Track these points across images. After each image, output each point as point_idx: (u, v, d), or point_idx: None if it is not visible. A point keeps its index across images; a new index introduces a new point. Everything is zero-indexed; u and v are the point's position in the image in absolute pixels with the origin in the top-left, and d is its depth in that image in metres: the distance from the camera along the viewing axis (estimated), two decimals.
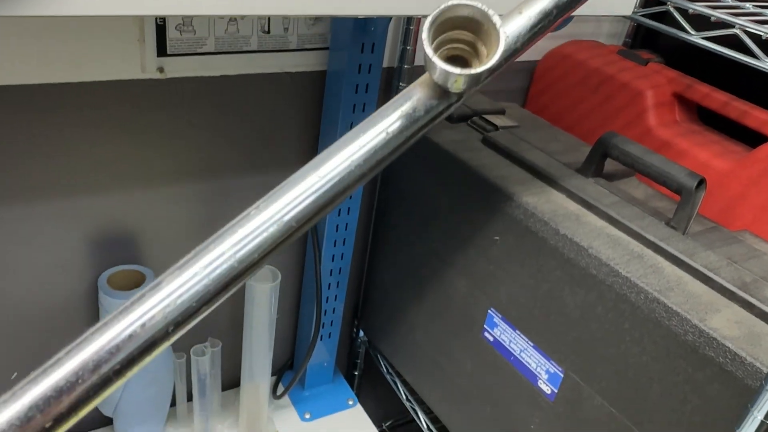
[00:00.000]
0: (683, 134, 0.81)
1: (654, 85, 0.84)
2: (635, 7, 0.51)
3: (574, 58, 0.93)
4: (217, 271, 0.27)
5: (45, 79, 0.67)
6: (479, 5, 0.26)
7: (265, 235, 0.28)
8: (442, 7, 0.26)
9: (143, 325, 0.26)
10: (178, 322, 0.27)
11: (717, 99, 0.79)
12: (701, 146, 0.78)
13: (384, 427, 1.28)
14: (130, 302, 0.27)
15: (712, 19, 0.54)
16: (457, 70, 0.26)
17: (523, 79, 1.02)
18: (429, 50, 0.26)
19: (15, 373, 0.82)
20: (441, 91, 0.28)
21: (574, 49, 0.94)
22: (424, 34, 0.26)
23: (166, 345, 0.27)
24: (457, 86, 0.27)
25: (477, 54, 0.28)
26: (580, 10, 0.50)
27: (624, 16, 0.79)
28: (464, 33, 0.27)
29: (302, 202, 0.29)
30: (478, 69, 0.26)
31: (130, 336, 0.26)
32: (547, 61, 0.97)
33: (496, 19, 0.26)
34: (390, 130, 0.28)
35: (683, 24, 0.55)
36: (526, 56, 1.08)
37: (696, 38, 0.55)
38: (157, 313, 0.26)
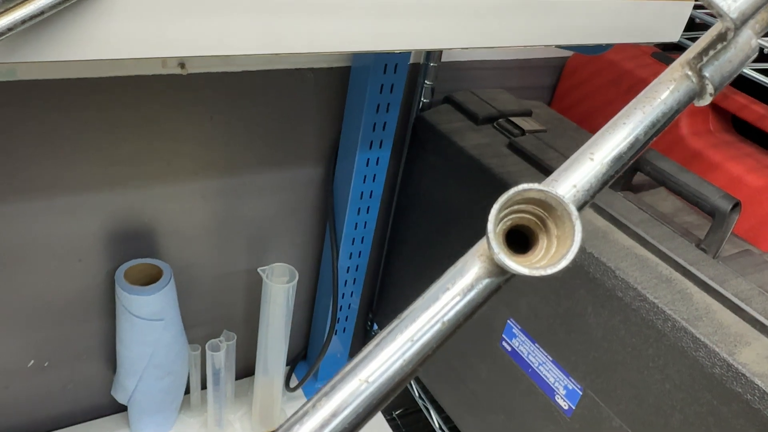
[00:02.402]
0: (716, 145, 0.79)
1: None
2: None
3: (606, 57, 0.90)
4: None
5: (68, 74, 0.65)
6: (552, 191, 0.24)
7: None
8: (511, 192, 0.24)
9: None
10: None
11: (754, 111, 0.76)
12: (734, 159, 0.76)
13: (394, 415, 1.29)
14: None
15: (765, 51, 0.51)
16: (526, 271, 0.24)
17: (551, 75, 0.99)
18: (495, 246, 0.24)
19: (32, 361, 0.83)
20: (500, 270, 0.26)
21: None
22: (490, 225, 0.24)
23: None
24: (521, 275, 0.26)
25: (545, 228, 0.26)
26: (628, 38, 0.48)
27: (668, 52, 0.77)
28: (534, 207, 0.25)
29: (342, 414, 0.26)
30: (550, 269, 0.24)
31: None
32: (577, 58, 0.94)
33: (572, 209, 0.24)
34: (443, 315, 0.27)
35: None
36: (555, 53, 1.05)
37: (745, 68, 0.52)
38: None
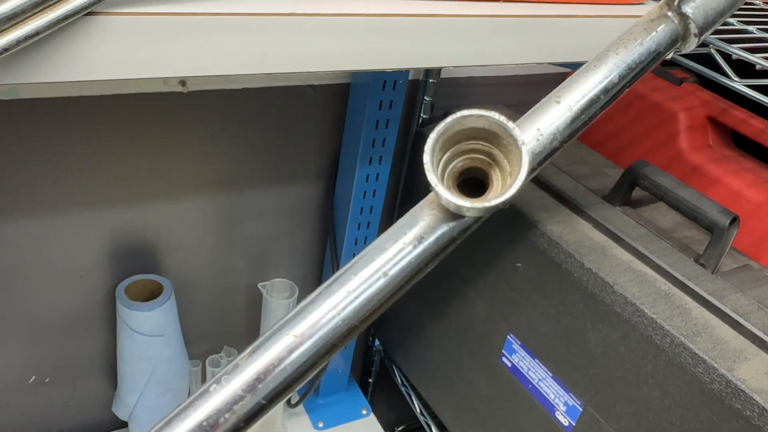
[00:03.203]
0: (716, 160, 0.79)
1: (687, 107, 0.81)
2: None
3: None
4: None
5: (70, 93, 0.66)
6: (495, 116, 0.22)
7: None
8: (449, 120, 0.21)
9: None
10: None
11: (753, 126, 0.76)
12: (734, 174, 0.76)
13: (396, 431, 1.28)
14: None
15: (757, 67, 0.52)
16: (467, 203, 0.21)
17: (550, 90, 0.99)
18: (433, 176, 0.21)
19: (33, 377, 0.83)
20: (453, 215, 0.24)
21: None
22: (427, 156, 0.22)
23: None
24: (471, 215, 0.23)
25: (497, 164, 0.23)
26: None
27: (666, 67, 0.77)
28: (479, 143, 0.23)
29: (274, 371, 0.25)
30: (492, 201, 0.21)
31: None
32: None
33: (516, 133, 0.21)
34: (390, 271, 0.24)
35: (726, 69, 0.52)
36: (555, 68, 1.05)
37: (739, 85, 0.52)
38: None
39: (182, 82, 0.72)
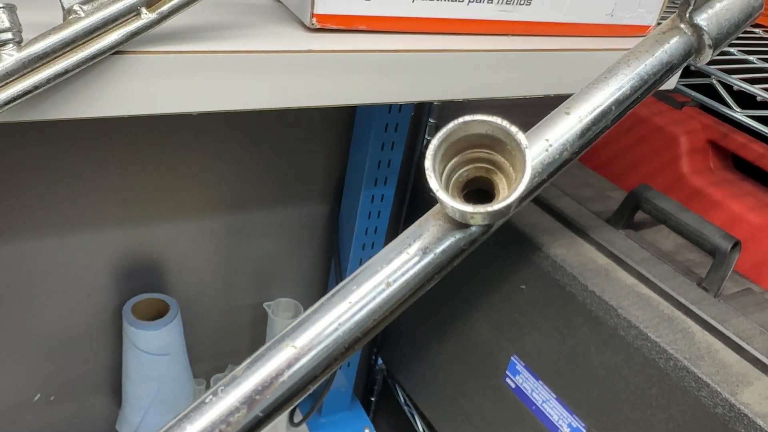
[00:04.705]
0: (717, 183, 0.80)
1: (688, 131, 0.83)
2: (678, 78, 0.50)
3: None
4: None
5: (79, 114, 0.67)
6: (498, 120, 0.21)
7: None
8: (451, 125, 0.21)
9: None
10: None
11: (753, 150, 0.77)
12: (735, 198, 0.77)
13: None
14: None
15: (758, 98, 0.53)
16: (469, 208, 0.21)
17: (552, 110, 1.01)
18: (434, 182, 0.21)
19: (38, 395, 0.83)
20: (459, 225, 0.23)
21: None
22: (428, 162, 0.21)
23: None
24: (476, 221, 0.23)
25: (503, 172, 0.23)
26: None
27: (667, 91, 0.78)
28: (483, 151, 0.22)
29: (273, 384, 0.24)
30: (496, 205, 0.20)
31: None
32: None
33: (519, 136, 0.21)
34: (393, 280, 0.23)
35: (727, 100, 0.53)
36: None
37: (741, 116, 0.53)
38: None
39: None
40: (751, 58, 0.65)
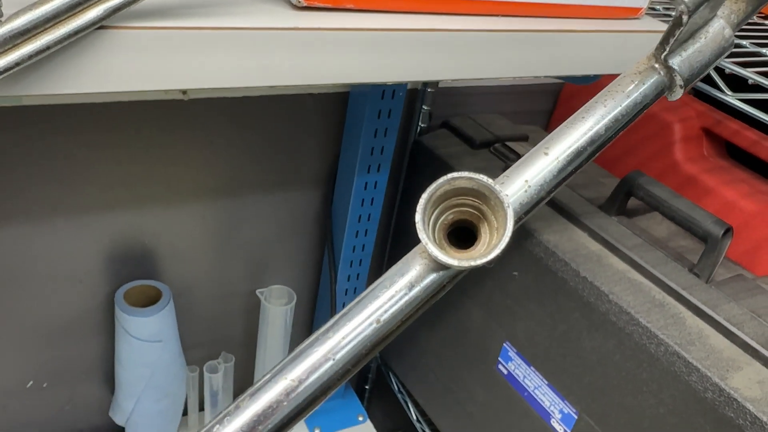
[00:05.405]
0: (710, 170, 0.80)
1: (682, 118, 0.82)
2: None
3: (602, 84, 0.91)
4: None
5: (71, 100, 0.67)
6: (482, 178, 0.23)
7: None
8: (440, 181, 0.23)
9: None
10: None
11: (747, 137, 0.77)
12: (728, 185, 0.77)
13: None
14: None
15: (750, 81, 0.53)
16: (454, 261, 0.23)
17: (548, 101, 1.01)
18: (424, 235, 0.23)
19: (31, 382, 0.83)
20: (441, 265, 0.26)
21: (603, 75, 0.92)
22: (419, 216, 0.23)
23: None
24: (459, 269, 0.25)
25: (486, 219, 0.25)
26: (616, 69, 0.49)
27: None
28: (469, 199, 0.24)
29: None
30: (478, 260, 0.23)
31: None
32: (573, 84, 0.96)
33: (503, 196, 0.23)
34: (381, 317, 0.26)
35: (719, 83, 0.53)
36: (550, 78, 1.06)
37: (732, 99, 0.53)
38: None
39: (183, 90, 0.72)
40: (743, 42, 0.65)
